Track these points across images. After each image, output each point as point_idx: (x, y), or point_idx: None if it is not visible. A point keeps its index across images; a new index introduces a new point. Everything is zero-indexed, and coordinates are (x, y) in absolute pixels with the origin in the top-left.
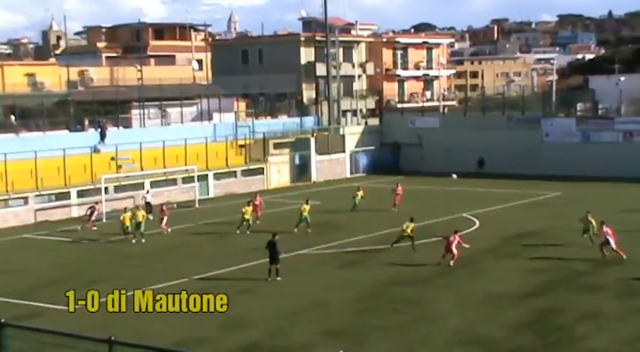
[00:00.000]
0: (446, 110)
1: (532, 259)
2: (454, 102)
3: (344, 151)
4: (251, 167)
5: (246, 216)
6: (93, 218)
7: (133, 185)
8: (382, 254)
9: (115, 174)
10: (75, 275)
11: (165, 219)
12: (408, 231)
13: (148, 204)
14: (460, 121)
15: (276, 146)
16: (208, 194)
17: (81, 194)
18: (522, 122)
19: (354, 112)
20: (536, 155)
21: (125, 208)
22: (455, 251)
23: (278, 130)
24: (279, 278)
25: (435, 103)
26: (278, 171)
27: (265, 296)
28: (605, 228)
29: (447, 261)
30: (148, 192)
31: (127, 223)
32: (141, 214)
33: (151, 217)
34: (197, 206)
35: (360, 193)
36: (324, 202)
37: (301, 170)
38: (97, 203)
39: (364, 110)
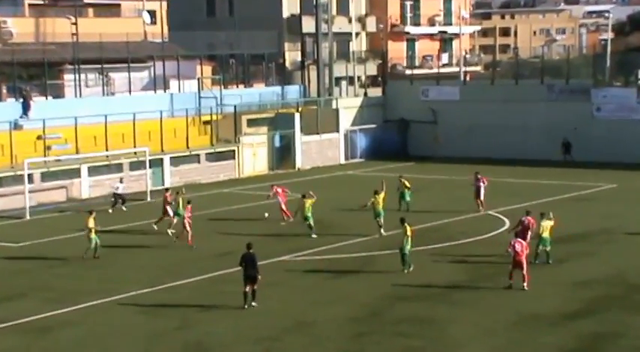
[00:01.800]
0: (468, 78)
1: (577, 269)
2: (478, 68)
3: (337, 130)
4: (218, 150)
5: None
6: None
7: (65, 172)
8: (384, 261)
9: (41, 158)
10: None
11: (188, 216)
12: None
13: (118, 195)
14: (486, 92)
15: (251, 123)
16: (163, 184)
17: None
18: (567, 93)
19: (351, 80)
20: (585, 136)
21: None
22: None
23: (253, 103)
24: (254, 304)
25: (454, 69)
26: (253, 155)
27: (236, 314)
28: None
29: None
30: (121, 180)
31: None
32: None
33: (124, 208)
34: (149, 199)
35: (406, 183)
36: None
37: (282, 154)
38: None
39: (363, 77)
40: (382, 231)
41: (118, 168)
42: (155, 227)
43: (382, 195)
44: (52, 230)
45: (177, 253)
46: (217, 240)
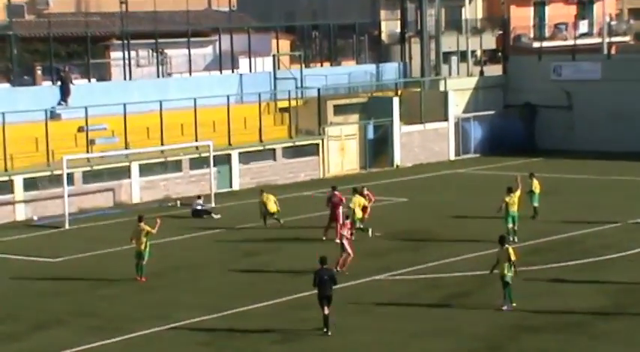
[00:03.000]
0: (613, 51)
1: None
2: (627, 39)
3: (446, 119)
4: (299, 143)
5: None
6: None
7: (112, 171)
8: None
9: (83, 154)
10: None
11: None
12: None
13: (197, 212)
14: (636, 69)
15: (339, 110)
16: (231, 186)
17: (29, 185)
18: None
19: (463, 56)
20: None
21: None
22: None
23: (341, 85)
24: (328, 333)
25: (595, 40)
26: (341, 150)
27: (318, 346)
28: None
29: None
30: (199, 197)
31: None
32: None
33: (215, 216)
34: (212, 205)
35: (537, 184)
36: (412, 199)
37: (377, 148)
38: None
39: (479, 52)
40: (515, 238)
41: (176, 166)
42: (324, 238)
43: (518, 193)
44: (96, 242)
45: (248, 272)
46: (296, 255)
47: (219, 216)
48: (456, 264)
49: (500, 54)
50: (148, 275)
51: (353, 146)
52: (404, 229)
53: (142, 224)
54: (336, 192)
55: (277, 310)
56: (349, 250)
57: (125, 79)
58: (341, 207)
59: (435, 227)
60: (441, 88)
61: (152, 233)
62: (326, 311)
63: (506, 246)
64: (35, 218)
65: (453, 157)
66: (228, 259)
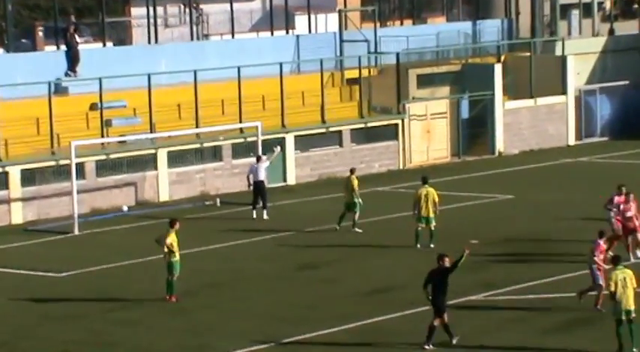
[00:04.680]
0: None
1: None
2: None
3: (563, 92)
4: (372, 124)
5: None
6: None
7: (133, 161)
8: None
9: (97, 139)
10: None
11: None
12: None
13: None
14: None
15: (424, 81)
16: (285, 179)
17: (29, 178)
18: None
19: (586, 9)
20: None
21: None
22: None
23: (427, 49)
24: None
25: None
26: (426, 133)
27: None
28: None
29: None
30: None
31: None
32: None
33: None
34: (266, 203)
35: None
36: (519, 196)
37: (474, 130)
38: None
39: (607, 4)
40: None
41: (215, 154)
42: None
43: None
44: (114, 252)
45: (306, 290)
46: (368, 269)
47: (278, 149)
48: (576, 280)
49: (636, 6)
50: (179, 293)
51: (442, 128)
52: (508, 235)
53: (173, 230)
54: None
55: (343, 339)
56: (601, 281)
57: (150, 42)
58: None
59: (548, 232)
60: (558, 52)
61: (168, 247)
62: (436, 322)
63: (622, 267)
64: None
65: (572, 142)
66: (281, 273)
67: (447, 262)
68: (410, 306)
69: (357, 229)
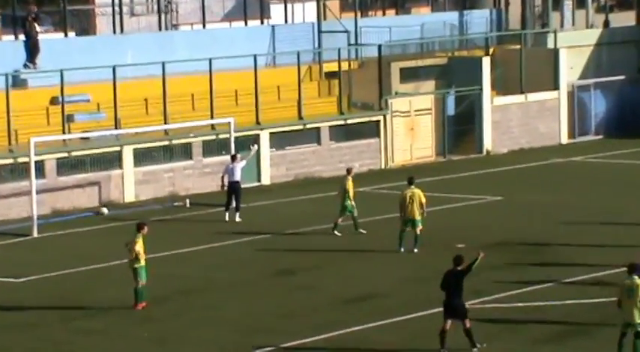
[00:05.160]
0: None
1: None
2: None
3: (555, 87)
4: (352, 121)
5: None
6: None
7: (97, 159)
8: None
9: (58, 136)
10: None
11: None
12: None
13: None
14: None
15: (407, 75)
16: (259, 179)
17: None
18: None
19: (580, 0)
20: None
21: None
22: None
23: (411, 41)
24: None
25: None
26: (410, 130)
27: None
28: None
29: None
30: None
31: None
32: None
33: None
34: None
35: None
36: (509, 198)
37: (460, 128)
38: None
39: None
40: None
41: (185, 152)
42: None
43: None
44: (76, 256)
45: (282, 297)
46: (348, 275)
47: (255, 148)
48: (569, 288)
49: None
50: (147, 301)
51: (427, 124)
52: (497, 239)
53: (141, 235)
54: None
55: (322, 350)
56: None
57: (115, 32)
58: None
59: (539, 236)
60: (550, 45)
61: (136, 253)
62: (447, 326)
63: (636, 277)
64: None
65: (565, 140)
66: (255, 280)
67: (463, 264)
68: (393, 315)
69: (361, 230)
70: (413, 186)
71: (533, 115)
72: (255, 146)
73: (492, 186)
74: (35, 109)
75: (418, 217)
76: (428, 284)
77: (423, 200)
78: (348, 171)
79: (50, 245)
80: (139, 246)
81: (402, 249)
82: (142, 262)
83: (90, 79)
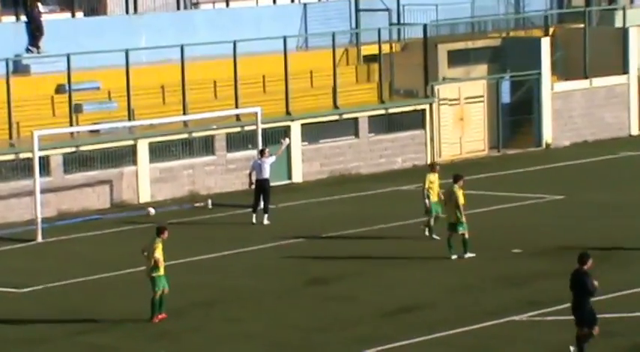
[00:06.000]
0: None
1: None
2: None
3: (624, 71)
4: (393, 110)
5: None
6: None
7: (108, 154)
8: None
9: (64, 128)
10: None
11: None
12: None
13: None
14: None
15: (457, 58)
16: (290, 176)
17: None
18: None
19: None
20: None
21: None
22: None
23: (460, 20)
24: None
25: None
26: (459, 120)
27: None
28: None
29: None
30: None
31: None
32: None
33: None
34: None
35: None
36: (572, 196)
37: (517, 118)
38: None
39: None
40: None
41: (206, 146)
42: None
43: None
44: (84, 263)
45: (314, 309)
46: (387, 284)
47: (287, 141)
48: (639, 298)
49: None
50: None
51: (478, 114)
52: (558, 243)
53: (161, 240)
54: None
55: None
56: None
57: (127, 12)
58: None
59: (605, 240)
60: (618, 24)
61: (155, 260)
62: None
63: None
64: None
65: (635, 131)
66: (284, 290)
67: (588, 264)
68: (440, 328)
69: (434, 236)
70: (456, 185)
71: (598, 103)
72: (287, 139)
73: (552, 183)
74: (39, 99)
75: (458, 220)
76: (478, 294)
77: (460, 201)
78: (432, 166)
79: (56, 251)
80: (159, 253)
81: (454, 256)
82: (162, 271)
83: (100, 65)
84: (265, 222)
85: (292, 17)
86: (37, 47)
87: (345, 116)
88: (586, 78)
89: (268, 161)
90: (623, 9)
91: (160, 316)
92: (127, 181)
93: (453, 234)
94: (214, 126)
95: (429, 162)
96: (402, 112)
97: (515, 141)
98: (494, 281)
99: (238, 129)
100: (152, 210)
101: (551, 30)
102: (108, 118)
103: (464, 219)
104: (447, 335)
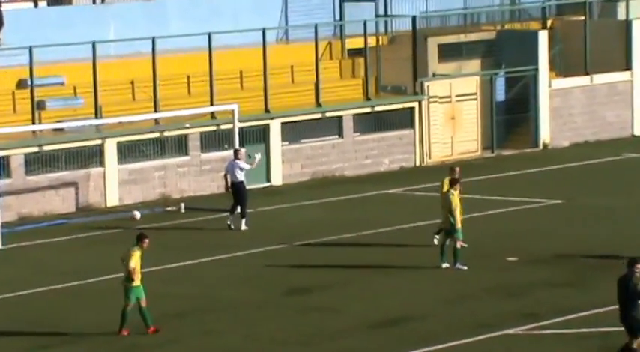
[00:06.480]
0: None
1: None
2: None
3: (628, 67)
4: (380, 108)
5: None
6: None
7: (74, 154)
8: None
9: (27, 126)
10: None
11: None
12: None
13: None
14: None
15: (447, 53)
16: (269, 179)
17: None
18: None
19: None
20: None
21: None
22: None
23: (452, 12)
24: None
25: None
26: (451, 119)
27: None
28: None
29: None
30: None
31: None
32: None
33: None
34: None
35: None
36: (571, 201)
37: (513, 117)
38: None
39: None
40: None
41: (179, 146)
42: None
43: None
44: (48, 271)
45: (295, 321)
46: (373, 294)
47: (258, 157)
48: None
49: None
50: (131, 327)
51: (471, 113)
52: (557, 251)
53: (140, 248)
54: None
55: None
56: None
57: (94, 1)
58: None
59: (607, 246)
60: (620, 16)
61: (133, 271)
62: (634, 343)
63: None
64: None
65: (639, 131)
66: (264, 299)
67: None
68: (431, 341)
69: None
70: (452, 188)
71: (599, 101)
72: (258, 155)
73: (550, 186)
74: None
75: (452, 226)
76: (472, 305)
77: (453, 205)
78: (452, 182)
79: (17, 258)
80: (134, 262)
81: (444, 265)
82: (137, 281)
83: (65, 58)
84: (243, 227)
85: (272, 8)
86: None
87: (328, 114)
88: (586, 74)
89: (241, 164)
90: (626, 0)
91: (152, 328)
92: (94, 183)
93: (446, 242)
94: (187, 125)
95: (418, 163)
96: (389, 110)
97: (510, 142)
98: (488, 291)
99: (213, 127)
100: (138, 214)
101: (549, 22)
102: (73, 116)
103: (459, 226)
104: (438, 349)
